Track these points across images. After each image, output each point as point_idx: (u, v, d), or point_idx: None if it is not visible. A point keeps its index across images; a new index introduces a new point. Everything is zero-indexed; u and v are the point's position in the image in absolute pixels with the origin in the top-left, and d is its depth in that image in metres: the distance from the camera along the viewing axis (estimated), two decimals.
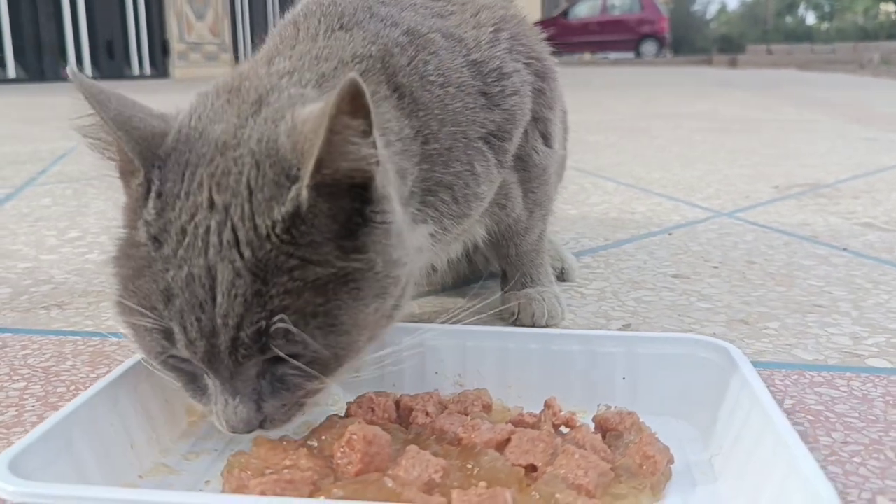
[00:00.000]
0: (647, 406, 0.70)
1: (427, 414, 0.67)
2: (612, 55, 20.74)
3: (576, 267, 1.19)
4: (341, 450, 0.59)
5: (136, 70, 10.35)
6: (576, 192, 1.95)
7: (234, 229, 0.54)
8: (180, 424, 0.69)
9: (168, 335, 0.55)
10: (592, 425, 0.68)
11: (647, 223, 1.59)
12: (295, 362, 0.55)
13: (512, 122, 0.84)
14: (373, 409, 0.67)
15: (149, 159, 0.57)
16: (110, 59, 9.94)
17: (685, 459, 0.65)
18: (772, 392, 0.78)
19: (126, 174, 0.59)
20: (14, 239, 1.47)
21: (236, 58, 11.66)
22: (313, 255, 0.54)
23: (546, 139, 0.93)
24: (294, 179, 0.54)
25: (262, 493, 0.54)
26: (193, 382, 0.58)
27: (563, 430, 0.67)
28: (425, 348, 0.76)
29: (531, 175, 0.92)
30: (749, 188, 1.99)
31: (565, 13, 20.92)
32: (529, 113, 0.89)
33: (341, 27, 0.76)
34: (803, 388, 0.80)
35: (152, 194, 0.56)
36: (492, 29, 0.86)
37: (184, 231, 0.54)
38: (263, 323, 0.53)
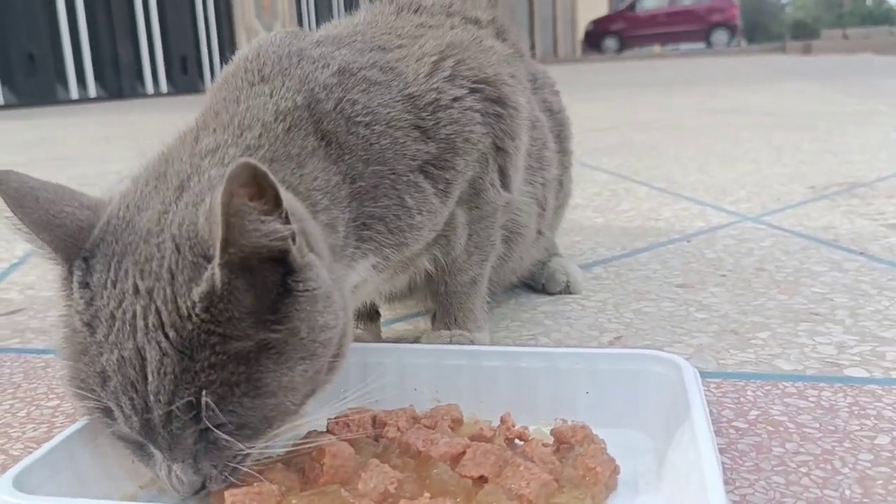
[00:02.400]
0: (607, 419, 0.75)
1: (398, 428, 0.73)
2: (683, 46, 20.38)
3: (581, 280, 1.23)
4: (309, 464, 0.66)
5: (209, 84, 10.66)
6: (607, 199, 1.98)
7: (157, 312, 0.58)
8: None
9: (108, 413, 0.61)
10: (552, 438, 0.73)
11: (669, 230, 1.62)
12: (220, 433, 0.59)
13: (451, 151, 0.85)
14: (348, 425, 0.74)
15: (72, 253, 0.62)
16: (184, 74, 10.33)
17: (634, 470, 0.69)
18: (741, 403, 0.82)
19: (56, 265, 0.65)
20: None
21: None
22: (233, 330, 0.58)
23: (503, 177, 0.93)
24: (210, 259, 0.57)
25: (233, 503, 0.61)
26: (141, 450, 0.63)
27: (519, 442, 0.72)
28: (405, 366, 0.82)
29: (480, 214, 0.93)
30: (784, 189, 1.98)
31: (632, 6, 20.66)
32: (482, 140, 0.89)
33: (262, 79, 0.78)
34: (773, 399, 0.83)
35: (75, 285, 0.62)
36: (434, 58, 0.87)
37: (113, 317, 0.59)
38: (193, 397, 0.57)
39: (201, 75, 10.65)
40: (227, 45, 10.97)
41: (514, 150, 0.93)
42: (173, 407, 0.58)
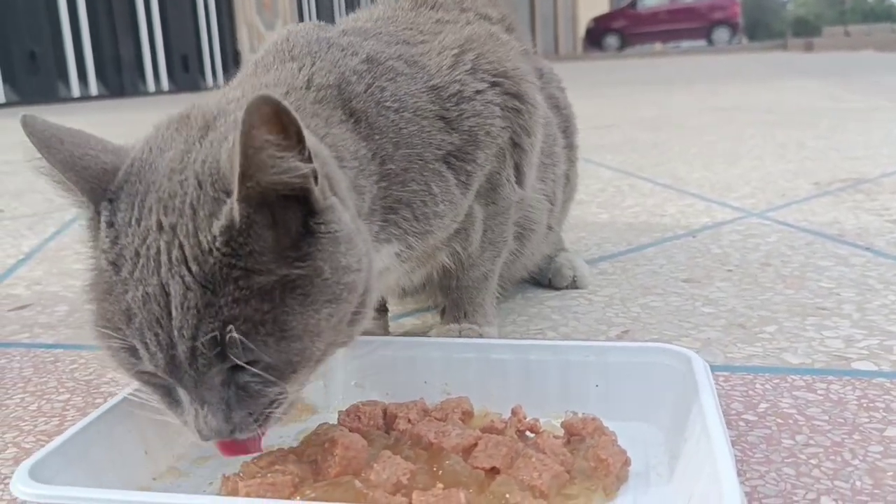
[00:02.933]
0: (617, 411, 0.75)
1: (409, 420, 0.74)
2: (684, 44, 20.36)
3: (587, 275, 1.23)
4: (322, 455, 0.66)
5: (210, 82, 10.72)
6: (612, 196, 1.98)
7: (181, 247, 0.58)
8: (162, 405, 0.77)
9: (133, 352, 0.60)
10: (563, 430, 0.73)
11: (674, 226, 1.62)
12: (252, 369, 0.59)
13: (473, 144, 0.87)
14: (359, 417, 0.74)
15: (98, 195, 0.63)
16: (185, 72, 10.33)
17: (646, 461, 0.70)
18: (750, 396, 0.82)
19: (82, 208, 0.65)
20: (76, 258, 1.60)
21: None
22: (254, 264, 0.58)
23: (519, 174, 0.94)
24: (231, 194, 0.58)
25: (248, 494, 0.61)
26: (168, 396, 0.64)
27: (530, 434, 0.72)
28: (416, 360, 0.82)
29: (496, 210, 0.94)
30: (788, 185, 1.98)
31: (634, 4, 20.65)
32: (501, 134, 0.90)
33: (291, 59, 0.81)
34: (781, 392, 0.83)
35: (102, 225, 0.62)
36: (455, 52, 0.88)
37: (137, 254, 0.59)
38: (217, 332, 0.57)
39: (202, 73, 10.65)
40: (229, 43, 10.97)
41: (529, 147, 0.95)
42: (198, 342, 0.57)
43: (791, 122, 3.31)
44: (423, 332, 1.04)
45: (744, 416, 0.78)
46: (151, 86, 9.85)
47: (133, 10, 9.57)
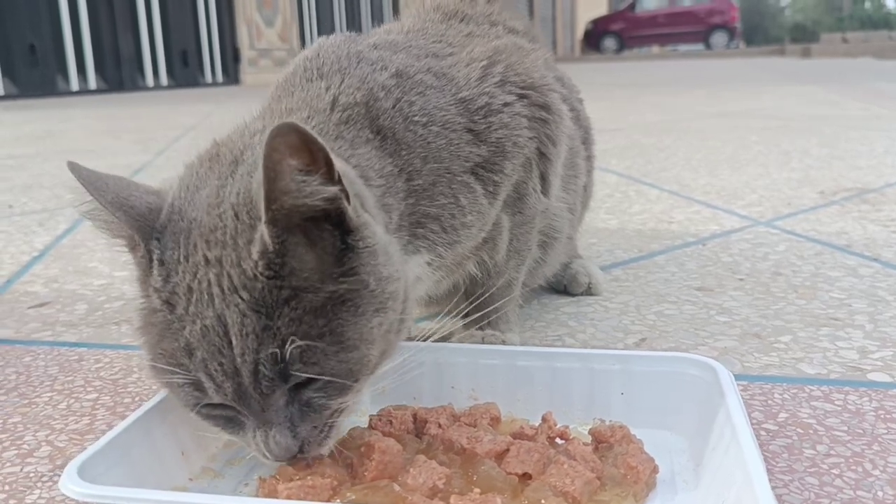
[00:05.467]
0: (641, 419, 0.77)
1: (439, 425, 0.75)
2: (682, 47, 20.42)
3: (602, 281, 1.25)
4: (359, 459, 0.68)
5: (208, 78, 10.71)
6: (619, 202, 2.00)
7: (229, 277, 0.60)
8: (224, 433, 0.79)
9: (198, 386, 0.62)
10: (590, 437, 0.75)
11: (683, 233, 1.64)
12: (316, 384, 0.62)
13: (501, 155, 0.88)
14: (391, 422, 0.76)
15: (147, 233, 0.65)
16: (185, 67, 10.32)
17: (671, 469, 0.71)
18: (769, 405, 0.84)
19: (132, 249, 0.67)
20: (91, 256, 1.61)
21: None
22: (300, 283, 0.60)
23: (544, 183, 0.96)
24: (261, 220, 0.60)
25: (288, 496, 0.63)
26: (231, 423, 0.65)
27: (560, 441, 0.74)
28: (442, 365, 0.84)
29: (522, 219, 0.96)
30: (793, 194, 2.00)
31: (632, 6, 20.70)
32: (528, 144, 0.91)
33: (320, 76, 0.82)
34: (800, 402, 0.85)
35: (155, 263, 0.64)
36: (483, 63, 0.90)
37: (190, 289, 0.61)
38: (277, 351, 0.59)
39: (202, 68, 10.64)
40: (228, 39, 10.96)
41: (555, 156, 0.96)
42: (261, 365, 0.59)
43: (793, 130, 3.34)
44: (443, 338, 1.06)
45: (764, 426, 0.80)
46: (150, 81, 9.83)
47: (133, 4, 9.55)
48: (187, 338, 0.61)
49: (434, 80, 0.86)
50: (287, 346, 0.59)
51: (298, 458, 0.65)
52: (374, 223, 0.67)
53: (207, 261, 0.61)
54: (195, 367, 0.61)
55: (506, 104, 0.89)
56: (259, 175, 0.58)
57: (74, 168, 0.65)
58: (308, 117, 0.78)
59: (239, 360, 0.60)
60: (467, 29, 0.99)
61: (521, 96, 0.91)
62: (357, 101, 0.79)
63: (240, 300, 0.60)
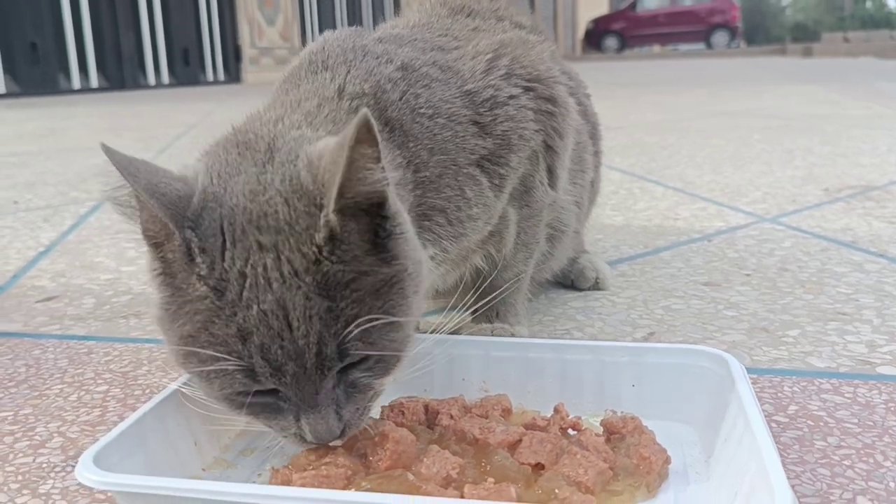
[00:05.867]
0: (652, 411, 0.77)
1: (451, 416, 0.75)
2: (682, 47, 20.42)
3: (609, 276, 1.25)
4: (372, 449, 0.68)
5: (210, 76, 10.72)
6: (624, 198, 2.00)
7: (289, 262, 0.60)
8: (237, 424, 0.79)
9: (249, 372, 0.61)
10: (601, 428, 0.75)
11: (689, 230, 1.64)
12: (366, 362, 0.63)
13: (507, 148, 0.88)
14: (403, 412, 0.76)
15: (180, 221, 0.62)
16: (186, 65, 10.32)
17: (683, 460, 0.72)
18: (779, 398, 0.84)
19: (159, 239, 0.64)
20: (97, 251, 1.61)
21: None
22: (361, 266, 0.62)
23: (551, 176, 0.96)
24: (321, 207, 0.61)
25: (303, 486, 0.63)
26: (268, 410, 0.64)
27: (572, 432, 0.74)
28: (453, 357, 0.84)
29: (529, 212, 0.96)
30: (798, 191, 2.00)
31: (633, 5, 20.69)
32: (534, 137, 0.92)
33: (325, 68, 0.83)
34: (810, 395, 0.85)
35: (195, 251, 0.61)
36: (489, 56, 0.90)
37: (242, 275, 0.60)
38: (342, 332, 0.60)
39: (203, 67, 10.64)
40: (229, 37, 10.96)
41: (562, 149, 0.96)
42: (325, 348, 0.60)
43: (795, 128, 3.34)
44: (452, 331, 1.06)
45: (774, 418, 0.80)
46: (152, 79, 9.84)
47: (134, 3, 9.55)
48: (241, 323, 0.60)
49: (439, 72, 0.86)
50: (350, 327, 0.60)
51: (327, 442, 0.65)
52: (403, 211, 0.69)
53: (261, 246, 0.61)
54: (250, 353, 0.60)
55: (511, 96, 0.89)
56: (336, 164, 0.59)
57: (108, 151, 0.63)
58: (319, 105, 0.78)
59: (302, 341, 0.60)
60: (473, 24, 0.99)
61: (527, 89, 0.92)
62: (365, 92, 0.80)
63: (302, 284, 0.60)
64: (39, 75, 8.45)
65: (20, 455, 0.78)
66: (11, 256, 1.59)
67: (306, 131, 0.73)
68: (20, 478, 0.74)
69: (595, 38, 20.61)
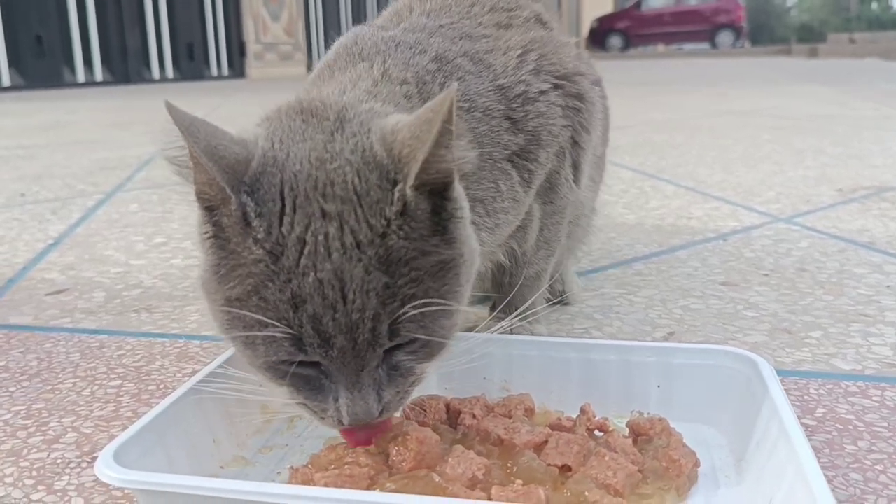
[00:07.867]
0: (679, 413, 0.75)
1: (474, 416, 0.74)
2: (687, 46, 20.38)
3: (579, 291, 1.20)
4: (396, 448, 0.66)
5: (214, 71, 10.71)
6: (635, 197, 1.99)
7: (353, 232, 0.58)
8: (255, 421, 0.78)
9: (296, 341, 0.58)
10: (627, 430, 0.74)
11: (703, 229, 1.62)
12: (413, 344, 0.61)
13: (536, 143, 0.87)
14: (425, 411, 0.74)
15: (237, 186, 0.60)
16: (191, 60, 10.31)
17: (712, 463, 0.70)
18: (805, 401, 0.83)
19: (214, 203, 0.61)
20: (106, 244, 1.60)
21: (310, 57, 11.93)
22: (425, 246, 0.60)
23: (576, 172, 0.96)
24: (394, 182, 0.59)
25: (326, 485, 0.61)
26: (308, 384, 0.62)
27: (598, 433, 0.73)
28: (475, 355, 0.82)
29: (553, 209, 0.95)
30: (811, 191, 1.99)
31: (638, 4, 20.66)
32: (562, 133, 0.91)
33: (362, 59, 0.82)
34: (837, 398, 0.84)
35: (251, 215, 0.59)
36: (519, 52, 0.89)
37: (302, 241, 0.58)
38: (396, 313, 0.58)
39: (207, 62, 10.63)
40: (234, 33, 10.95)
41: (587, 144, 0.96)
42: (379, 324, 0.58)
43: (805, 129, 3.32)
44: (468, 328, 1.04)
45: (803, 421, 0.79)
46: (156, 74, 9.83)
47: None
48: (294, 290, 0.58)
49: (472, 65, 0.86)
50: (407, 307, 0.58)
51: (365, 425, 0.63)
52: (464, 195, 0.68)
53: (325, 214, 0.59)
54: (301, 321, 0.58)
55: (541, 92, 0.89)
56: (419, 139, 0.58)
57: (171, 108, 0.59)
58: (374, 85, 0.77)
59: (356, 315, 0.58)
60: (496, 18, 0.97)
61: (556, 86, 0.91)
62: (408, 80, 0.79)
63: (363, 256, 0.58)
64: (44, 69, 8.43)
65: (34, 450, 0.77)
66: (20, 248, 1.58)
67: (375, 105, 0.71)
68: (35, 473, 0.72)
69: (599, 36, 20.56)
